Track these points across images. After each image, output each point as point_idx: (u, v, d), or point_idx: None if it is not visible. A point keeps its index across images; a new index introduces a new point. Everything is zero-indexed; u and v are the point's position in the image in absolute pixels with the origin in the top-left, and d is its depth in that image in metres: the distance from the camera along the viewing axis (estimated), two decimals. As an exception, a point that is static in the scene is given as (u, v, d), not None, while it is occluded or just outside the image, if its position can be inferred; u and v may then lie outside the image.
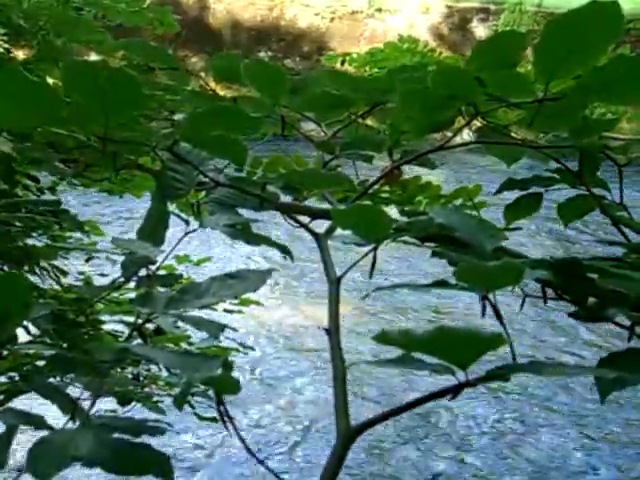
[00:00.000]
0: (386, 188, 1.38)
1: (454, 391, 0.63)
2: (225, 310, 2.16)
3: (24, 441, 0.61)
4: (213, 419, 2.07)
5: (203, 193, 1.07)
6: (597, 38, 0.84)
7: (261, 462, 0.71)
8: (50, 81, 1.60)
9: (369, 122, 1.23)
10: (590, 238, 6.64)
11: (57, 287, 1.72)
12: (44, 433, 0.57)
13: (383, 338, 0.58)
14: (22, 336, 0.93)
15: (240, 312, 2.25)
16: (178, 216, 0.98)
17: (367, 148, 1.16)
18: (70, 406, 0.67)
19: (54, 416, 0.70)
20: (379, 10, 12.75)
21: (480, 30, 12.21)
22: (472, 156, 9.12)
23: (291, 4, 13.07)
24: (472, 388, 0.61)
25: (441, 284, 0.78)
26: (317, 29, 12.97)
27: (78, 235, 1.87)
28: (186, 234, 0.95)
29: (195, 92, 1.25)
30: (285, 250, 0.98)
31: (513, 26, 11.29)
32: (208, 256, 2.66)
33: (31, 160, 1.22)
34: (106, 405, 1.16)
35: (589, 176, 1.06)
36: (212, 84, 1.33)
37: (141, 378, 1.84)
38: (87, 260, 1.63)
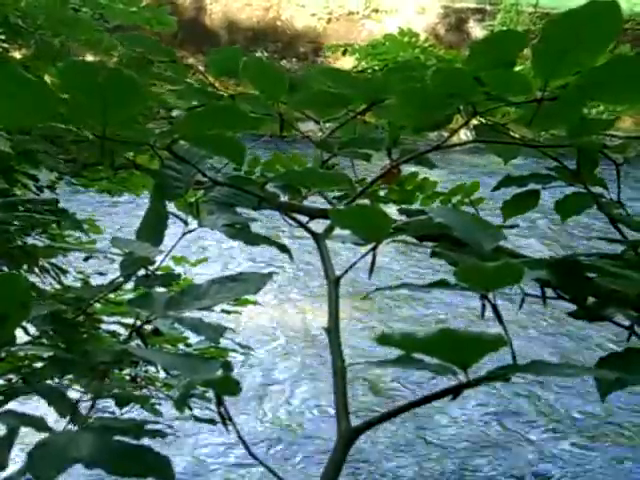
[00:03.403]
0: (385, 187, 1.38)
1: (455, 391, 0.63)
2: (223, 311, 2.15)
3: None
4: (210, 421, 2.07)
5: (201, 192, 1.06)
6: (596, 38, 0.84)
7: (262, 463, 0.70)
8: (48, 80, 1.60)
9: (367, 118, 1.22)
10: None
11: (57, 286, 1.72)
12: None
13: (384, 340, 0.58)
14: (21, 337, 0.92)
15: (237, 312, 2.24)
16: (176, 216, 0.98)
17: (365, 147, 1.16)
18: (69, 409, 0.67)
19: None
20: (375, 11, 12.75)
21: (476, 30, 12.22)
22: (471, 156, 9.12)
23: (287, 5, 13.06)
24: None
25: (441, 284, 0.78)
26: (313, 30, 12.96)
27: (77, 233, 1.87)
28: (184, 234, 0.95)
29: (195, 88, 1.25)
30: (284, 249, 0.98)
31: (509, 26, 11.30)
32: (205, 257, 2.66)
33: (29, 156, 1.22)
34: (104, 406, 1.16)
35: (587, 174, 1.06)
36: (211, 80, 1.33)
37: (139, 379, 1.83)
38: (86, 259, 1.62)
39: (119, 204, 6.44)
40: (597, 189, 1.07)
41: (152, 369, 1.85)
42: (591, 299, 0.86)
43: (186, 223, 0.97)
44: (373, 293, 0.81)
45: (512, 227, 1.08)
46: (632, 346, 0.76)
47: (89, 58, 2.04)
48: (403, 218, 1.00)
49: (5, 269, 1.45)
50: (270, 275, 0.78)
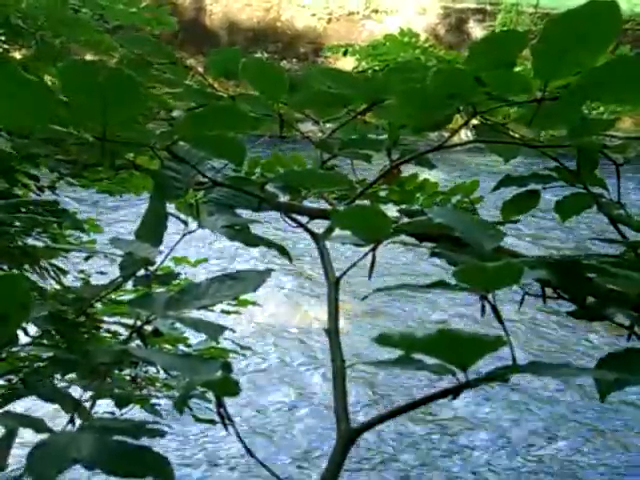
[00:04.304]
0: (385, 187, 1.38)
1: (454, 392, 0.63)
2: (222, 311, 2.15)
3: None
4: (210, 421, 2.07)
5: (201, 193, 1.06)
6: (596, 38, 0.84)
7: (262, 463, 0.70)
8: (48, 81, 1.60)
9: (367, 118, 1.23)
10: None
11: (57, 286, 1.72)
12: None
13: (383, 340, 0.58)
14: (21, 338, 0.92)
15: (237, 313, 2.24)
16: (176, 217, 0.98)
17: (366, 147, 1.16)
18: (72, 406, 0.67)
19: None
20: (376, 11, 12.75)
21: (477, 31, 12.21)
22: (470, 156, 9.12)
23: (288, 5, 13.06)
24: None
25: (441, 285, 0.78)
26: (314, 30, 12.97)
27: (77, 232, 1.87)
28: (184, 235, 0.95)
29: (194, 89, 1.25)
30: (283, 251, 0.98)
31: (510, 26, 11.29)
32: (205, 257, 2.66)
33: (30, 156, 1.22)
34: (103, 407, 1.16)
35: (587, 175, 1.06)
36: (210, 81, 1.33)
37: (139, 380, 1.83)
38: (86, 259, 1.63)
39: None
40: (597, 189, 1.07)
41: (152, 369, 1.86)
42: (591, 299, 0.86)
43: (186, 224, 0.96)
44: (373, 294, 0.81)
45: (514, 222, 1.09)
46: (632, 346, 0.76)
47: (89, 59, 2.04)
48: (403, 219, 1.01)
49: (6, 269, 1.46)
50: (269, 272, 0.78)
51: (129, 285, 0.99)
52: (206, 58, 1.24)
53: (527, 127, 1.00)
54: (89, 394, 0.84)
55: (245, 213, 1.06)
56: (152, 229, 0.92)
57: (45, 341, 1.04)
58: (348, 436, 0.65)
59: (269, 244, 0.97)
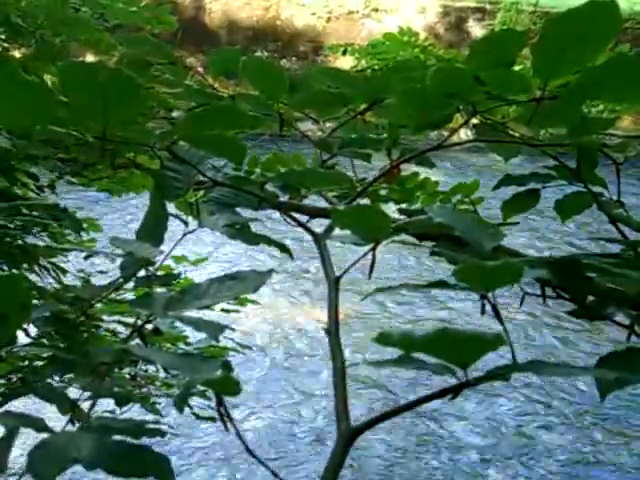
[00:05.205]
0: (385, 186, 1.38)
1: (455, 391, 0.63)
2: (222, 310, 2.16)
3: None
4: (211, 419, 2.08)
5: (201, 193, 1.06)
6: (595, 37, 0.84)
7: (262, 462, 0.70)
8: (48, 81, 1.60)
9: (367, 117, 1.23)
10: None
11: (57, 285, 1.72)
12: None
13: (383, 340, 0.58)
14: (21, 338, 0.92)
15: (237, 312, 2.25)
16: (176, 216, 0.98)
17: (366, 146, 1.16)
18: (69, 407, 0.67)
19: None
20: (375, 10, 12.74)
21: (476, 30, 12.20)
22: (470, 155, 9.12)
23: (287, 4, 13.05)
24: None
25: (441, 284, 0.78)
26: (313, 29, 12.96)
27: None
28: (185, 234, 0.95)
29: (194, 89, 1.25)
30: (284, 249, 0.98)
31: (509, 25, 11.28)
32: (205, 256, 2.66)
33: (29, 156, 1.22)
34: (102, 406, 1.16)
35: (587, 173, 1.06)
36: (210, 80, 1.33)
37: (138, 378, 1.83)
38: (86, 258, 1.63)
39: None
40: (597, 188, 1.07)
41: (152, 368, 1.86)
42: (591, 298, 0.86)
43: (186, 224, 0.96)
44: (373, 294, 0.81)
45: (513, 224, 1.09)
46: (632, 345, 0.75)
47: (89, 58, 2.04)
48: (403, 218, 1.01)
49: (6, 269, 1.46)
50: (269, 273, 0.78)
51: (129, 284, 0.99)
52: (206, 57, 1.24)
53: (527, 126, 1.00)
54: (89, 393, 0.84)
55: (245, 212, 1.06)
56: (152, 229, 0.92)
57: (45, 341, 1.04)
58: (348, 435, 0.65)
59: (270, 242, 0.97)
